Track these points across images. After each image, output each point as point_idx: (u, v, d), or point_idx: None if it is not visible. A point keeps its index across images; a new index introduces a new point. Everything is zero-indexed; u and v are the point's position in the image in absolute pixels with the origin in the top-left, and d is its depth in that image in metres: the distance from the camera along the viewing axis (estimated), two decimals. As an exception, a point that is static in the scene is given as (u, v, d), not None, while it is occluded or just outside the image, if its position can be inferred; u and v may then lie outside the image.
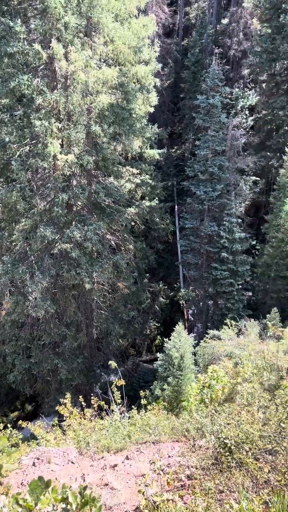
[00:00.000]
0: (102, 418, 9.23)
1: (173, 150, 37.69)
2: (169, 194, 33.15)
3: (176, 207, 33.61)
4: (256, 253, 26.49)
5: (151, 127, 22.86)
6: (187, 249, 25.54)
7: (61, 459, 7.05)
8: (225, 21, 39.68)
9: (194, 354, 15.02)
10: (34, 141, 16.30)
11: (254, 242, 27.52)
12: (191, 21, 43.10)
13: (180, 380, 13.65)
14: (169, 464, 5.82)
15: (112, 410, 9.01)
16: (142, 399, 9.91)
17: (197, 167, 24.10)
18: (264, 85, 32.71)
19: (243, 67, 35.03)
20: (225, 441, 5.06)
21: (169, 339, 15.12)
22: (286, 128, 26.63)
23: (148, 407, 9.94)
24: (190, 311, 29.10)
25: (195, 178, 24.74)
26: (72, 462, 6.98)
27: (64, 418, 8.93)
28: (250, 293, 25.40)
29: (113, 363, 9.47)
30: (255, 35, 28.29)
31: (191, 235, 25.10)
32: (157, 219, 25.88)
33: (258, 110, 32.63)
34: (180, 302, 29.41)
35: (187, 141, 37.01)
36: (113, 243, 20.88)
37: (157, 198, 25.47)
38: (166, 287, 29.46)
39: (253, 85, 34.99)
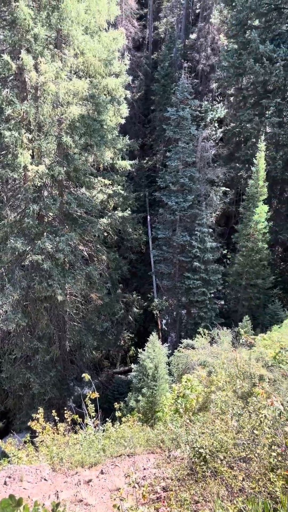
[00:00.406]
0: (76, 433, 9.07)
1: (145, 161, 38.03)
2: (141, 204, 33.35)
3: (148, 217, 33.81)
4: (227, 262, 26.93)
5: (123, 139, 23.03)
6: (160, 259, 25.68)
7: (33, 477, 6.86)
8: (193, 36, 40.71)
9: (168, 364, 15.03)
10: (4, 151, 16.09)
11: (225, 251, 27.98)
12: (160, 35, 43.96)
13: (155, 390, 13.60)
14: (144, 476, 5.77)
15: (86, 424, 8.87)
16: (116, 411, 9.80)
17: (168, 178, 24.40)
18: (232, 98, 33.66)
19: (212, 81, 35.95)
20: (199, 450, 5.07)
21: (143, 350, 15.08)
22: (253, 140, 27.39)
23: (123, 419, 9.84)
24: (164, 321, 29.16)
25: (167, 189, 25.02)
26: (45, 479, 6.81)
27: (37, 434, 8.72)
28: (222, 302, 25.73)
29: (86, 376, 9.34)
30: (222, 50, 29.13)
31: (163, 245, 25.28)
32: (130, 230, 25.94)
33: (226, 123, 33.48)
34: (154, 312, 29.43)
35: (158, 153, 37.47)
36: (85, 254, 20.74)
37: (129, 209, 25.57)
38: (139, 297, 29.44)
39: (221, 98, 35.95)
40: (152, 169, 37.66)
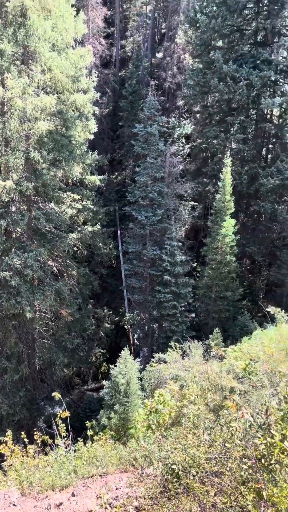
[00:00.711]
0: (46, 454, 8.80)
1: (114, 176, 38.24)
2: (112, 219, 33.39)
3: (119, 231, 33.87)
4: (197, 275, 27.25)
5: (91, 154, 23.09)
6: (131, 273, 25.67)
7: (2, 503, 6.60)
8: (159, 55, 41.73)
9: (141, 379, 14.91)
10: None
11: (194, 265, 28.32)
12: (127, 53, 44.76)
13: (127, 407, 13.44)
14: (117, 496, 5.66)
15: (57, 445, 8.63)
16: (88, 430, 9.61)
17: (137, 193, 24.60)
18: (198, 115, 34.57)
19: (178, 98, 36.85)
20: (172, 467, 5.02)
21: (115, 366, 14.92)
22: (220, 155, 28.13)
23: (95, 437, 9.65)
24: (136, 335, 29.02)
25: (136, 204, 25.20)
26: (14, 505, 6.56)
27: (5, 458, 8.40)
28: (193, 315, 25.93)
29: (56, 395, 9.13)
30: (188, 69, 30.01)
31: (134, 259, 25.32)
32: (100, 244, 25.86)
33: (193, 139, 34.28)
34: (126, 326, 29.25)
35: (127, 168, 37.80)
36: (55, 269, 20.48)
37: (99, 223, 25.53)
38: (111, 312, 29.22)
39: (188, 115, 36.85)
40: (121, 184, 37.90)
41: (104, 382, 16.19)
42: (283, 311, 10.65)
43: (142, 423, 10.88)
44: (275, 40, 26.65)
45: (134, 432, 12.44)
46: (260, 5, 26.22)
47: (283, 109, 26.69)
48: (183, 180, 29.31)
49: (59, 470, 7.46)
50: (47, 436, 8.82)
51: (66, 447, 8.59)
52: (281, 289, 24.65)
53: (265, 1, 25.42)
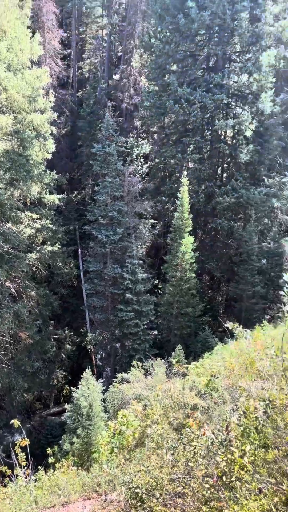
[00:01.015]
0: (5, 486, 8.39)
1: (74, 195, 38.09)
2: (72, 238, 33.08)
3: (79, 250, 33.57)
4: (159, 292, 27.41)
5: (50, 173, 22.97)
6: (92, 292, 25.44)
7: None
8: (116, 77, 42.56)
9: (104, 400, 14.65)
10: None
11: (156, 282, 28.48)
12: (84, 75, 45.28)
13: (90, 430, 13.13)
14: (79, 526, 5.47)
15: (17, 475, 8.25)
16: (50, 457, 9.28)
17: (97, 212, 24.62)
18: (155, 135, 35.34)
19: (136, 119, 37.58)
20: (136, 490, 4.93)
21: (77, 388, 14.59)
22: (177, 175, 28.77)
23: (57, 465, 9.33)
24: (98, 356, 28.58)
25: (96, 222, 25.18)
26: None
27: None
28: (155, 332, 25.94)
29: (16, 422, 8.78)
30: (144, 91, 30.72)
31: (95, 278, 25.14)
32: (60, 264, 25.52)
33: (151, 158, 34.95)
34: (88, 347, 28.77)
35: (86, 187, 37.82)
36: (13, 290, 19.94)
37: (59, 243, 25.24)
38: (72, 333, 28.66)
39: (145, 135, 37.61)
40: (81, 202, 37.75)
41: (66, 406, 15.74)
42: (241, 326, 10.88)
43: (106, 446, 10.65)
44: (226, 65, 27.92)
45: (97, 456, 12.14)
46: (211, 31, 27.47)
47: (235, 130, 27.83)
48: (142, 198, 29.66)
49: (19, 502, 7.14)
50: (6, 467, 8.42)
51: (26, 477, 8.23)
52: (239, 303, 25.24)
53: (216, 28, 26.63)
